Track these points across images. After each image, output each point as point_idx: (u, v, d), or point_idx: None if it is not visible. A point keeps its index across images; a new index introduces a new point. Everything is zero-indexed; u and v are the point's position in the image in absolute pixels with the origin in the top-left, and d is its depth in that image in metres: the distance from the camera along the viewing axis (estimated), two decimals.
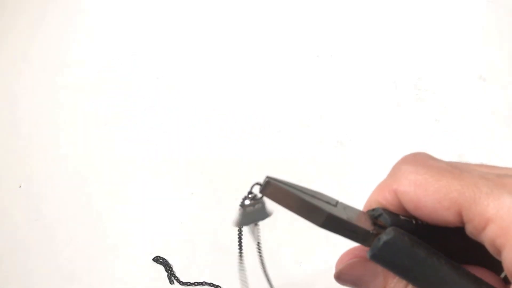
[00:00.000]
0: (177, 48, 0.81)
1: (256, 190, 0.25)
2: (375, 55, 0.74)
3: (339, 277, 0.25)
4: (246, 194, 0.26)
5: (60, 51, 0.84)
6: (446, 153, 0.63)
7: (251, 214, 0.27)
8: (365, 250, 0.24)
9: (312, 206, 0.23)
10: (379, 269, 0.23)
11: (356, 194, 0.61)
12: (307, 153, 0.66)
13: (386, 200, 0.24)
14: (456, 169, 0.22)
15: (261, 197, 0.25)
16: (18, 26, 0.89)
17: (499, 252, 0.20)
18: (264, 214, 0.27)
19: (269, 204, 0.26)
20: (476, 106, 0.67)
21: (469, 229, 0.21)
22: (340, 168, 0.64)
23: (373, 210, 0.25)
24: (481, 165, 0.24)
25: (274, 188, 0.24)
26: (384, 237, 0.22)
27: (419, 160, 0.24)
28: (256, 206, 0.26)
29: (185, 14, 0.85)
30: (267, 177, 0.24)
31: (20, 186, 0.69)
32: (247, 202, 0.26)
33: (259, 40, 0.79)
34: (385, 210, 0.24)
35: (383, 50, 0.74)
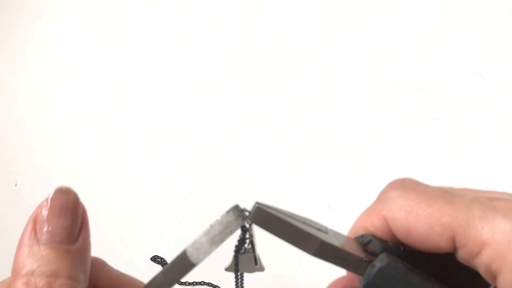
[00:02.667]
0: (175, 46, 0.80)
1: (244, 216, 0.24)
2: (375, 53, 0.73)
3: None
4: (239, 238, 0.25)
5: (58, 50, 0.84)
6: (445, 152, 0.63)
7: (245, 264, 0.26)
8: (353, 279, 0.23)
9: (305, 233, 0.23)
10: None
11: (355, 194, 0.61)
12: (307, 151, 0.66)
13: (375, 226, 0.23)
14: (447, 194, 0.22)
15: (253, 248, 0.24)
16: (17, 26, 0.88)
17: (494, 277, 0.20)
18: (257, 267, 0.26)
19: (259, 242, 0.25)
20: (476, 105, 0.67)
21: (462, 255, 0.21)
22: (340, 166, 0.64)
23: (362, 236, 0.24)
24: (467, 189, 0.23)
25: (264, 215, 0.23)
26: (378, 264, 0.22)
27: (408, 185, 0.23)
28: (251, 256, 0.25)
29: (185, 12, 0.84)
30: (257, 203, 0.23)
31: (16, 185, 0.68)
32: (242, 250, 0.25)
33: (258, 38, 0.79)
34: (374, 236, 0.23)
35: (383, 49, 0.73)
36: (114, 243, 0.60)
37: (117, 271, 0.27)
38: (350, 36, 0.76)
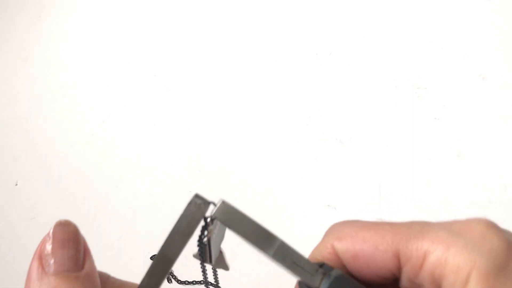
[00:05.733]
0: (175, 46, 0.80)
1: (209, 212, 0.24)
2: (374, 53, 0.73)
3: None
4: (201, 229, 0.25)
5: (57, 49, 0.84)
6: (445, 152, 0.63)
7: (216, 242, 0.26)
8: None
9: (267, 233, 0.23)
10: None
11: (354, 193, 0.61)
12: (306, 151, 0.66)
13: (325, 257, 0.24)
14: (388, 222, 0.23)
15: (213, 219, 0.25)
16: (16, 27, 0.88)
17: (438, 287, 0.20)
18: (213, 264, 0.27)
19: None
20: (475, 104, 0.67)
21: (407, 273, 0.22)
22: (340, 166, 0.64)
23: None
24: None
25: (229, 210, 0.24)
26: (334, 273, 0.22)
27: (349, 220, 0.25)
28: (215, 231, 0.26)
29: (184, 12, 0.84)
30: (222, 199, 0.24)
31: (16, 184, 0.68)
32: (205, 233, 0.25)
33: (257, 38, 0.79)
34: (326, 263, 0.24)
35: (382, 49, 0.74)
36: (114, 243, 0.60)
37: (120, 280, 0.28)
38: (350, 36, 0.76)
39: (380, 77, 0.71)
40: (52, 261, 0.23)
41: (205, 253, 0.27)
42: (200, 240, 0.26)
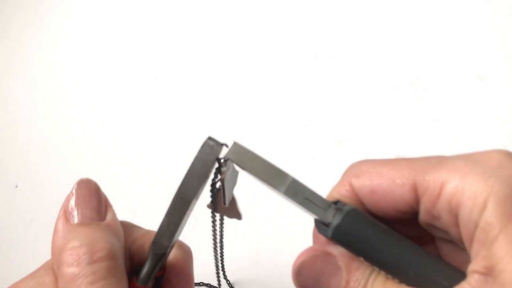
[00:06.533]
0: (174, 48, 0.80)
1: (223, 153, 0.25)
2: (373, 54, 0.73)
3: (300, 272, 0.24)
4: (214, 172, 0.25)
5: (56, 50, 0.84)
6: (444, 154, 0.63)
7: (229, 185, 0.26)
8: (324, 248, 0.23)
9: (278, 170, 0.24)
10: (341, 263, 0.22)
11: None
12: (305, 153, 0.66)
13: (342, 194, 0.24)
14: (405, 157, 0.23)
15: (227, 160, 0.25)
16: (15, 26, 0.88)
17: (455, 216, 0.20)
18: (226, 208, 0.27)
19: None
20: (474, 106, 0.67)
21: (425, 205, 0.21)
22: (338, 168, 0.64)
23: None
24: None
25: (240, 150, 0.24)
26: (346, 208, 0.22)
27: (367, 159, 0.25)
28: (228, 173, 0.26)
29: (183, 13, 0.84)
30: (234, 141, 0.24)
31: (17, 186, 0.68)
32: (219, 176, 0.25)
33: (256, 40, 0.79)
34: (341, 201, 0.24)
35: (381, 50, 0.74)
36: None
37: (143, 229, 0.30)
38: (349, 38, 0.76)
39: (379, 78, 0.71)
40: (75, 213, 0.25)
41: (217, 200, 0.27)
42: (213, 184, 0.26)
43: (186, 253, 0.28)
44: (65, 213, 0.25)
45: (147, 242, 0.28)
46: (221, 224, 0.30)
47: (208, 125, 0.70)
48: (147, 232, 0.29)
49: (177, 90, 0.75)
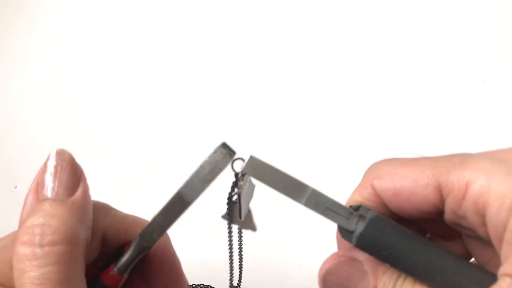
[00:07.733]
0: (176, 48, 0.80)
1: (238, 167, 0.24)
2: (374, 54, 0.73)
3: (326, 279, 0.23)
4: (232, 185, 0.25)
5: (57, 50, 0.84)
6: (446, 154, 0.63)
7: (245, 198, 0.26)
8: (349, 254, 0.23)
9: (297, 182, 0.23)
10: (367, 268, 0.22)
11: None
12: (306, 153, 0.65)
13: (365, 197, 0.23)
14: (427, 157, 0.22)
15: (244, 175, 0.24)
16: (16, 26, 0.88)
17: (482, 217, 0.19)
18: (241, 221, 0.27)
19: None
20: (476, 106, 0.67)
21: (450, 205, 0.21)
22: (340, 168, 0.63)
23: (351, 206, 0.24)
24: None
25: (258, 164, 0.24)
26: (369, 215, 0.21)
27: (387, 159, 0.24)
28: (245, 187, 0.25)
29: (185, 14, 0.84)
30: (250, 154, 0.24)
31: (16, 187, 0.68)
32: (235, 199, 0.25)
33: (258, 40, 0.79)
34: (363, 205, 0.23)
35: (382, 50, 0.73)
36: None
37: (121, 213, 0.29)
38: (350, 38, 0.76)
39: (380, 78, 0.71)
40: (44, 187, 0.24)
41: (233, 212, 0.26)
42: (230, 198, 0.26)
43: (165, 236, 0.28)
44: (37, 185, 0.24)
45: (124, 227, 0.27)
46: (240, 237, 0.30)
47: (208, 125, 0.70)
48: (125, 216, 0.28)
49: (177, 90, 0.75)
